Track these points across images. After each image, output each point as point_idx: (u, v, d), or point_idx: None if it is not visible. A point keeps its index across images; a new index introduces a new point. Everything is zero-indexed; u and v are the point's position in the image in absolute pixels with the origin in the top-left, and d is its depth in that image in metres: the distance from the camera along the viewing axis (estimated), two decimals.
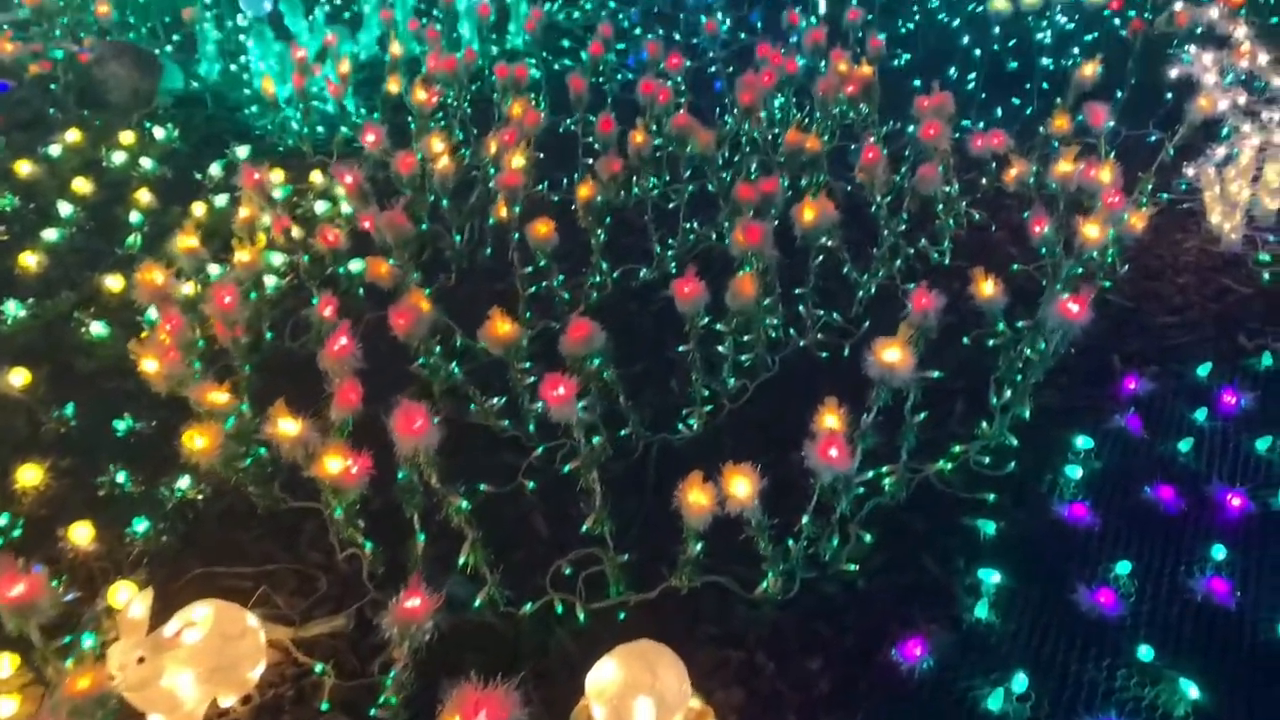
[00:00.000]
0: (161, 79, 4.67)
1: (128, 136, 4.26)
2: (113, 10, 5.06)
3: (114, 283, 3.46)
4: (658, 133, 3.89)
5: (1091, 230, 2.76)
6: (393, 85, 4.36)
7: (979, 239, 3.79)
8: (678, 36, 5.78)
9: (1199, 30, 3.45)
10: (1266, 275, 3.41)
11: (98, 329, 3.34)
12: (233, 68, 5.27)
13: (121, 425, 3.00)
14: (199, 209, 3.87)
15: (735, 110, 4.02)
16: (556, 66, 5.51)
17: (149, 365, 2.45)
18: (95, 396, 3.14)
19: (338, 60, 4.46)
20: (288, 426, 2.17)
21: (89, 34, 5.34)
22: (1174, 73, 3.36)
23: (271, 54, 4.81)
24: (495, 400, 2.97)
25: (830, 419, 2.23)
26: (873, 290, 3.42)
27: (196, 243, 3.07)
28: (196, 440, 2.30)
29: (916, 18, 5.53)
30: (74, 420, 3.04)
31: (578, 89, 4.01)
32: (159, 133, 4.35)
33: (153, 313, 3.10)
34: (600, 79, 4.68)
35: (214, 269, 3.46)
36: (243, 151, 4.33)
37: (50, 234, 3.74)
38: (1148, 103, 4.36)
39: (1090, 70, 3.72)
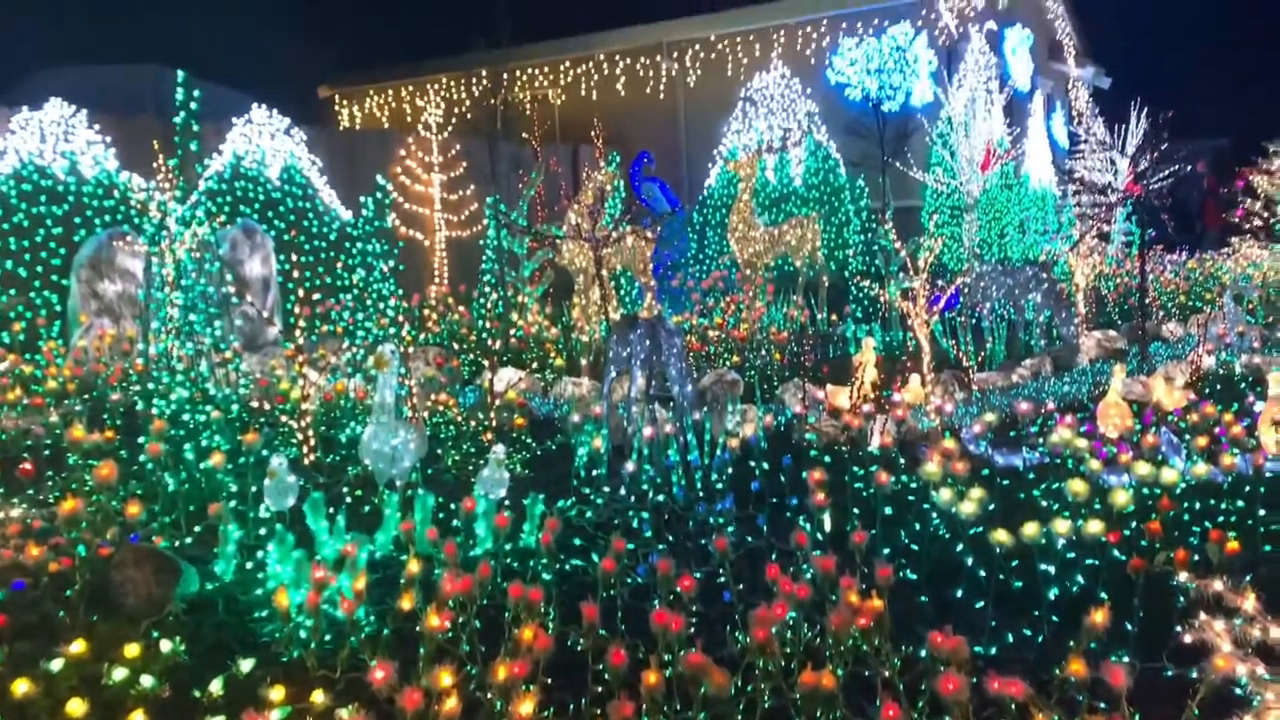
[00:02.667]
0: (178, 585, 4.71)
1: (133, 649, 4.21)
2: (141, 510, 5.22)
3: None
4: (670, 662, 3.85)
5: None
6: (405, 602, 4.39)
7: None
8: (688, 544, 5.94)
9: (1206, 598, 3.52)
10: None
11: None
12: (248, 565, 5.36)
13: None
14: None
15: (749, 636, 4.00)
16: (567, 566, 5.60)
17: None
18: None
19: (354, 574, 4.53)
20: None
21: (114, 525, 5.49)
22: (1187, 638, 3.39)
23: (289, 559, 4.90)
24: None
25: None
26: None
27: None
28: None
29: (917, 529, 5.70)
30: None
31: (590, 617, 4.02)
32: (165, 645, 4.30)
33: None
34: (611, 591, 4.72)
35: None
36: (246, 665, 4.26)
37: None
38: (1159, 633, 4.35)
39: (1101, 618, 3.76)
